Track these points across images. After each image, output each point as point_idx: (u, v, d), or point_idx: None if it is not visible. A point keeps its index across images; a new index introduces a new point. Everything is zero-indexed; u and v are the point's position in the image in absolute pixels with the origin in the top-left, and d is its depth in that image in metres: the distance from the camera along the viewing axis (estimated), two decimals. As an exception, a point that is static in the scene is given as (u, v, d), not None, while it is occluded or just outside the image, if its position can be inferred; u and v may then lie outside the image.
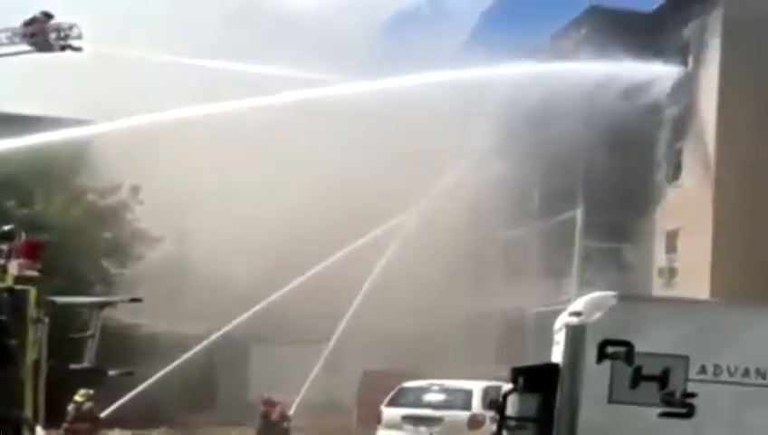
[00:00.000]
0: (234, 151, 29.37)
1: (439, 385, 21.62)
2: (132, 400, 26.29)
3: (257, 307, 28.71)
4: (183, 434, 28.72)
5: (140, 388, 26.38)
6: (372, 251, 29.80)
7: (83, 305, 16.64)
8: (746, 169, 29.20)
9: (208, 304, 28.14)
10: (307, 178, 28.99)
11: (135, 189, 30.77)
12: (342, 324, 29.38)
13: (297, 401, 27.38)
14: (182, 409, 28.82)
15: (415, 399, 21.39)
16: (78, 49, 25.35)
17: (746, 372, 9.97)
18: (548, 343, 11.42)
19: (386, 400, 21.74)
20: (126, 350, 24.05)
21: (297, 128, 29.77)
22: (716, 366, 9.98)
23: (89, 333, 15.29)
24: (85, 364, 15.34)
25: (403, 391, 21.75)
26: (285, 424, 23.17)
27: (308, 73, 29.24)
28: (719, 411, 9.98)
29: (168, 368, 27.51)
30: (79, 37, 25.33)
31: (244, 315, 28.82)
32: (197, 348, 28.59)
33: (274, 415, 22.95)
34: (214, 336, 28.99)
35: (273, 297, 28.67)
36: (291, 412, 24.68)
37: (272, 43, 32.55)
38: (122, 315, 25.74)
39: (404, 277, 28.45)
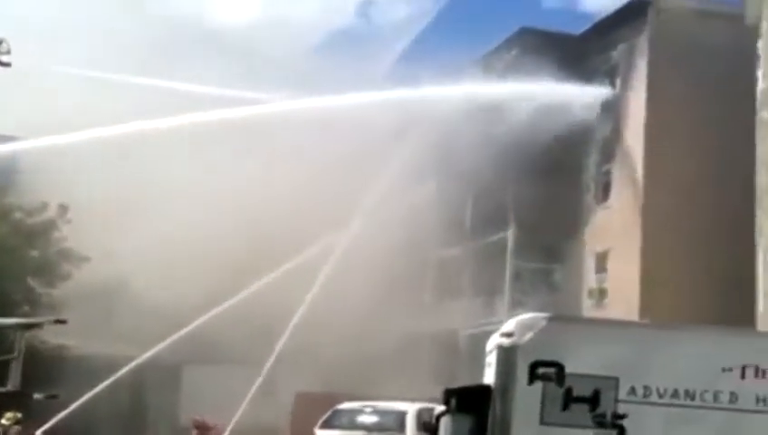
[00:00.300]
0: (164, 171, 29.05)
1: (373, 407, 21.53)
2: (61, 422, 25.75)
3: (188, 328, 28.28)
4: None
5: (68, 410, 25.84)
6: (307, 271, 29.62)
7: (7, 327, 16.30)
8: (673, 191, 29.63)
9: (138, 325, 27.68)
10: (239, 198, 28.75)
11: (63, 208, 30.29)
12: (278, 346, 29.08)
13: (232, 423, 27.02)
14: (112, 432, 28.30)
15: (349, 421, 21.26)
16: (7, 64, 24.90)
17: (675, 394, 10.05)
18: (481, 364, 11.43)
19: (319, 422, 21.59)
20: (54, 372, 23.60)
21: (228, 147, 29.58)
22: (646, 387, 10.04)
23: (13, 355, 14.97)
24: (9, 388, 15.00)
25: (337, 413, 21.61)
26: (219, 447, 22.90)
27: (240, 92, 29.07)
28: (649, 432, 10.04)
29: (96, 390, 26.99)
30: (8, 52, 24.87)
31: (175, 336, 28.36)
32: (126, 369, 28.08)
33: (207, 438, 22.67)
34: (143, 357, 28.51)
35: (204, 318, 28.26)
36: (224, 435, 24.40)
37: (203, 61, 32.35)
38: (50, 337, 25.30)
39: (338, 298, 28.31)
